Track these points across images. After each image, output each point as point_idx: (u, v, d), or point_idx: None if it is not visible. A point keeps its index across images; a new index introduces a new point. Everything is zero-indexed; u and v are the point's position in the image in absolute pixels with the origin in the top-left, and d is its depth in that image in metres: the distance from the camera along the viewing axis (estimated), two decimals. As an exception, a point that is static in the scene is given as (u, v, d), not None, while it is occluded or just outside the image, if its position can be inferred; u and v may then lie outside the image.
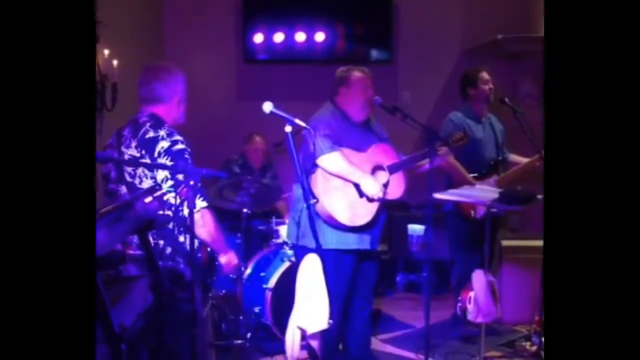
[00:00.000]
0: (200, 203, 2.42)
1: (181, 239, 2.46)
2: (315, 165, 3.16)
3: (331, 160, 3.14)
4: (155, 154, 2.42)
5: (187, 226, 2.36)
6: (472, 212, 3.86)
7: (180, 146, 2.45)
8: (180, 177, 2.28)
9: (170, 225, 2.45)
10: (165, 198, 2.12)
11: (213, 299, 3.62)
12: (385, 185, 3.25)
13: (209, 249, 2.67)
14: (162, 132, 2.47)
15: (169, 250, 2.45)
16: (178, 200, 2.29)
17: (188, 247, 2.42)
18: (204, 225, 2.46)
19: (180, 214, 2.39)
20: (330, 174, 3.16)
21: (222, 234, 2.61)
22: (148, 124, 2.51)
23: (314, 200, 3.00)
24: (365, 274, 3.43)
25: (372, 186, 3.17)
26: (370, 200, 3.22)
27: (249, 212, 3.97)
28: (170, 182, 2.38)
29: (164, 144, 2.43)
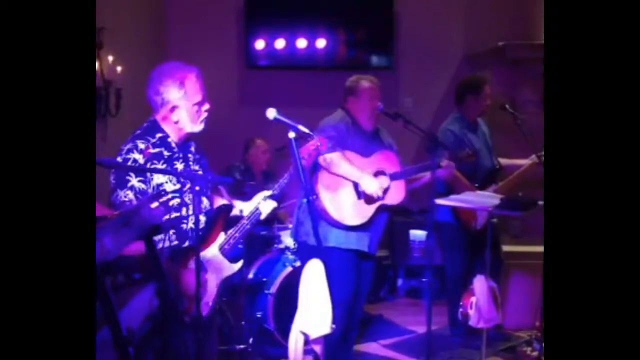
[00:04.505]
0: None
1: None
2: (319, 166, 3.22)
3: (331, 160, 3.18)
4: None
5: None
6: (473, 223, 3.84)
7: (126, 156, 2.30)
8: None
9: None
10: (170, 204, 2.14)
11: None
12: (385, 190, 3.29)
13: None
14: (128, 145, 2.33)
15: None
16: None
17: None
18: None
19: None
20: (331, 173, 3.21)
21: None
22: (138, 131, 2.40)
23: (313, 196, 3.05)
24: (363, 277, 3.46)
25: (371, 184, 3.23)
26: (370, 200, 3.26)
27: (251, 217, 3.98)
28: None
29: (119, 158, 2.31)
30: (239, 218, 2.64)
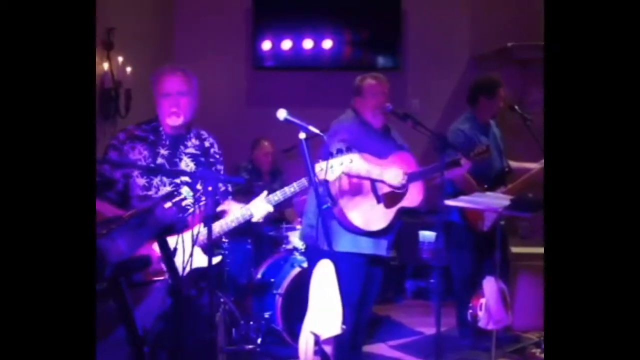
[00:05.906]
0: None
1: None
2: None
3: (350, 162, 3.15)
4: None
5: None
6: (480, 223, 3.83)
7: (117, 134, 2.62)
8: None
9: None
10: (183, 204, 2.14)
11: (224, 304, 3.65)
12: (405, 192, 3.27)
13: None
14: None
15: None
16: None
17: None
18: None
19: None
20: (351, 176, 3.18)
21: None
22: None
23: (330, 203, 3.02)
24: (373, 280, 3.45)
25: (395, 175, 3.19)
26: (389, 203, 3.22)
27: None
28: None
29: None
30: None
